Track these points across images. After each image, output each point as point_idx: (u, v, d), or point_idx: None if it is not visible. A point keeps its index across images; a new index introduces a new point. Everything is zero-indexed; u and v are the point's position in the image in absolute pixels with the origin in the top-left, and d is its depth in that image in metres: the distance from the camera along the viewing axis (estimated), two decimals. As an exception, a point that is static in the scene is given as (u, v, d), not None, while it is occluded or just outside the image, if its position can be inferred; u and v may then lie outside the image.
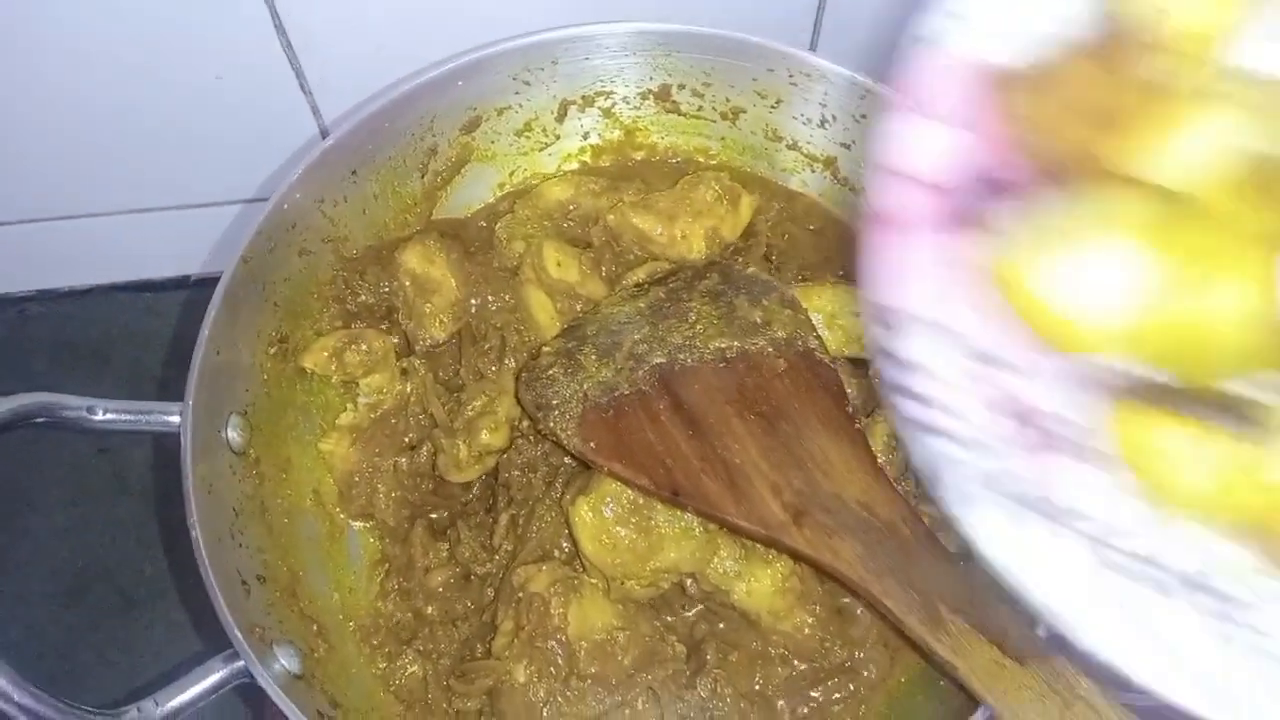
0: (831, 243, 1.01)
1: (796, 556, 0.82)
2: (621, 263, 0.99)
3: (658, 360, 0.88)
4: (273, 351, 0.91)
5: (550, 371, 0.89)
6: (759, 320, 0.90)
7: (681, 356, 0.88)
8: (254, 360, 0.89)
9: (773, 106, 0.98)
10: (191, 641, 1.14)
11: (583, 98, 1.00)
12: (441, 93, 0.94)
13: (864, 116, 0.94)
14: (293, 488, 0.92)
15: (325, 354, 0.93)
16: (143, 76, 1.02)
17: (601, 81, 0.99)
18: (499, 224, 1.00)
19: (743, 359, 0.88)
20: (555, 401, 0.87)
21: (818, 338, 0.90)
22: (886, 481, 0.82)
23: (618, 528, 0.84)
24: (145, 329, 1.31)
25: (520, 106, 0.99)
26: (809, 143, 1.00)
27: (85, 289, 1.32)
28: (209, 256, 1.29)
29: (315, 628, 0.85)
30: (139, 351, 1.30)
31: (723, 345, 0.89)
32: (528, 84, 0.97)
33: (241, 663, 0.74)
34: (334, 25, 1.00)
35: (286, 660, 0.79)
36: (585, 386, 0.88)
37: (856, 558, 0.78)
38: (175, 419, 0.80)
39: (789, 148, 1.01)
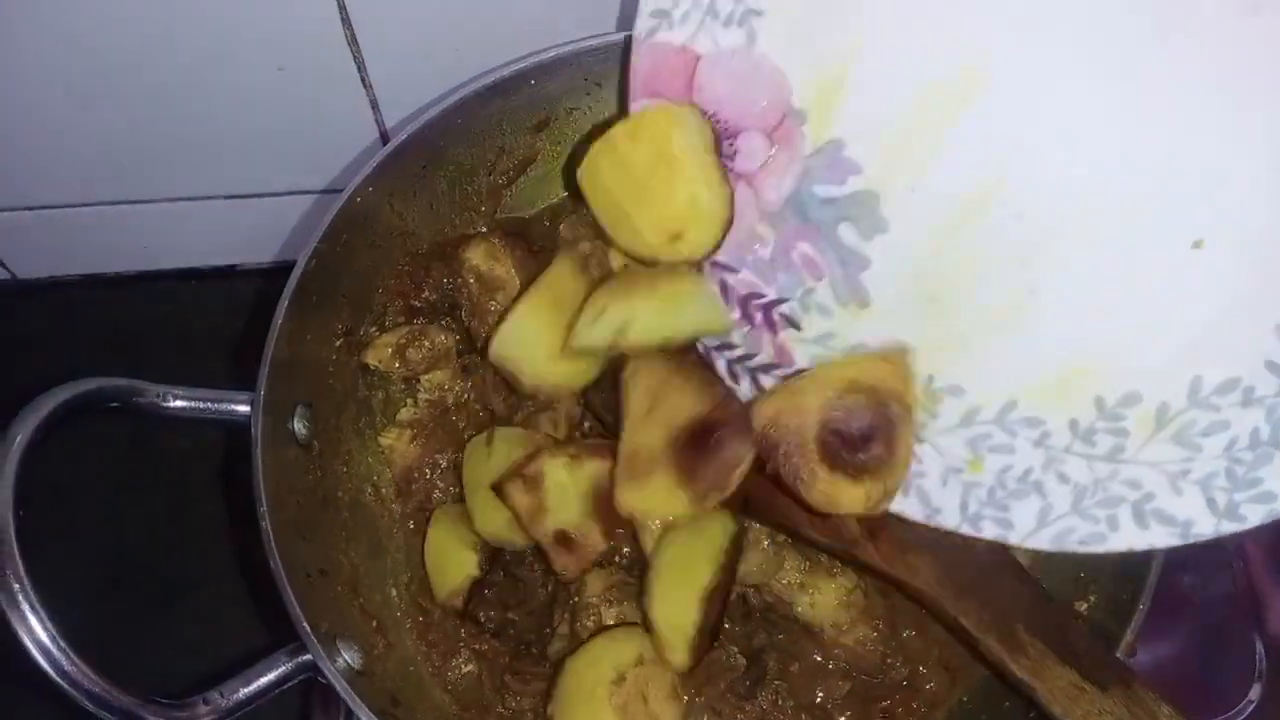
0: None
1: (872, 572, 0.81)
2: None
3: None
4: (338, 344, 0.91)
5: None
6: None
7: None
8: (321, 352, 0.89)
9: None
10: (228, 634, 1.12)
11: (651, 100, 1.00)
12: (512, 91, 0.93)
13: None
14: (354, 481, 0.91)
15: (389, 350, 0.93)
16: (204, 64, 1.02)
17: (671, 85, 0.99)
18: (563, 223, 0.99)
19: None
20: None
21: None
22: None
23: None
24: (189, 318, 1.30)
25: (590, 109, 0.99)
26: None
27: (131, 275, 1.32)
28: (262, 248, 1.29)
29: (375, 624, 0.85)
30: (183, 342, 1.29)
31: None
32: (599, 85, 0.97)
33: (307, 656, 0.74)
34: (400, 21, 1.00)
35: (349, 656, 0.78)
36: None
37: (933, 575, 0.77)
38: (245, 408, 0.80)
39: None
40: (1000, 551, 0.79)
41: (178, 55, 1.01)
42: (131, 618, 1.14)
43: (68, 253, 1.28)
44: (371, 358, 0.92)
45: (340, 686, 0.73)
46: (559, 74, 0.94)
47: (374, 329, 0.94)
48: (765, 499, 0.81)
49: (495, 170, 0.98)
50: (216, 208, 1.21)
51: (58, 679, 0.66)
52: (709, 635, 0.79)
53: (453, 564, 0.88)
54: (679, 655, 0.78)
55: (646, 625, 0.80)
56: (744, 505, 0.81)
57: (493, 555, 0.89)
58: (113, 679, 0.70)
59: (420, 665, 0.87)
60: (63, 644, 0.67)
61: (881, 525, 0.79)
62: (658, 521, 0.81)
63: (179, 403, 0.79)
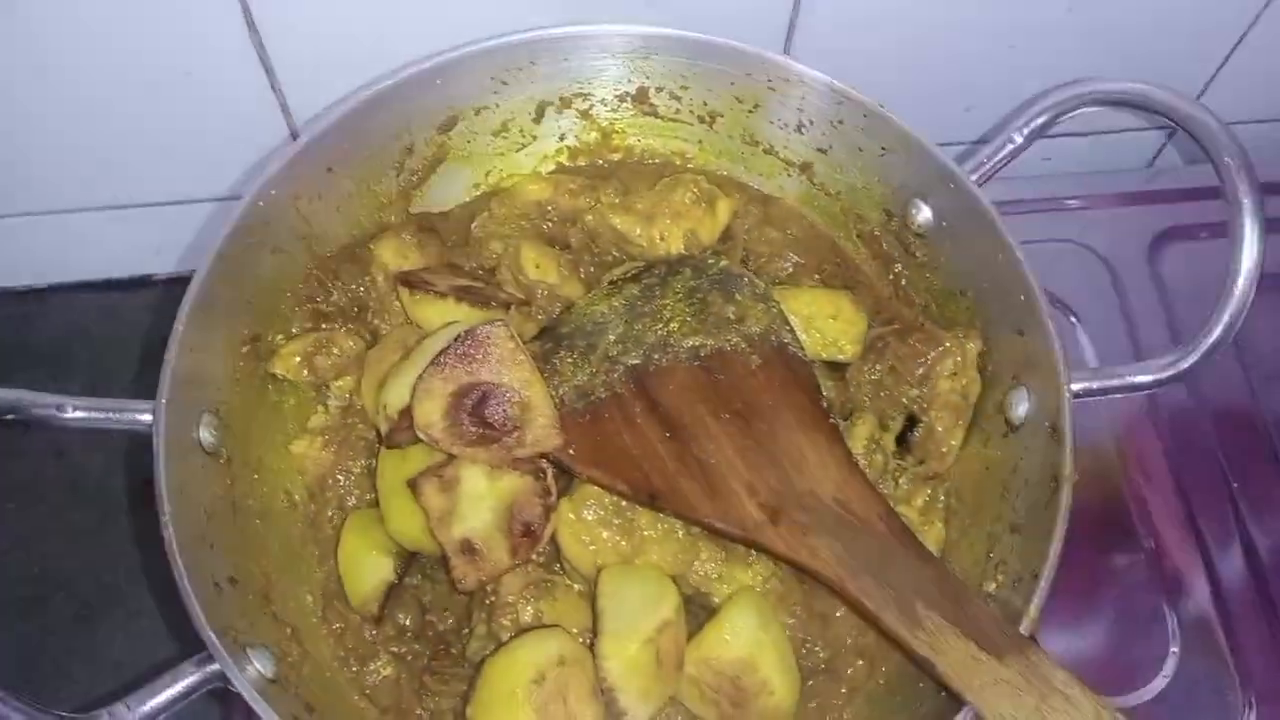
0: (808, 246, 1.02)
1: (774, 556, 0.82)
2: (600, 264, 0.99)
3: (633, 362, 0.88)
4: (245, 350, 0.90)
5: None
6: (732, 315, 0.90)
7: (656, 357, 0.88)
8: (226, 359, 0.88)
9: (750, 111, 0.99)
10: (152, 651, 1.11)
11: (560, 99, 1.00)
12: (419, 91, 0.93)
13: (841, 122, 0.95)
14: (265, 489, 0.90)
15: (296, 359, 0.92)
16: (109, 70, 1.00)
17: (579, 83, 0.99)
18: (475, 222, 0.99)
19: (717, 356, 0.88)
20: None
21: (791, 331, 0.91)
22: (862, 477, 0.83)
23: (600, 529, 0.83)
24: (107, 330, 1.28)
25: (497, 106, 0.99)
26: (786, 147, 1.00)
27: (44, 288, 1.29)
28: (175, 256, 1.27)
29: (289, 631, 0.84)
30: (101, 354, 1.27)
31: (697, 344, 0.89)
32: (505, 84, 0.97)
33: (215, 666, 0.73)
34: (306, 23, 0.99)
35: (261, 664, 0.77)
36: (561, 391, 0.87)
37: (833, 556, 0.78)
38: (147, 417, 0.79)
39: (766, 152, 1.02)
40: (901, 531, 0.80)
41: (81, 64, 0.99)
42: (54, 634, 1.12)
43: (-22, 266, 1.25)
44: (278, 367, 0.91)
45: (249, 695, 0.72)
46: (464, 74, 0.94)
47: (279, 336, 0.93)
48: (670, 490, 0.81)
49: (404, 170, 0.98)
50: (131, 217, 1.20)
51: (-50, 695, 0.65)
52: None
53: (367, 569, 0.87)
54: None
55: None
56: (650, 498, 0.82)
57: (408, 559, 0.88)
58: (10, 691, 0.68)
59: (337, 671, 0.86)
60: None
61: (781, 510, 0.80)
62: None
63: (78, 413, 0.78)
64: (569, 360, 0.89)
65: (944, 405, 0.91)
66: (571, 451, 0.84)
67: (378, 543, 0.87)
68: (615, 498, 0.84)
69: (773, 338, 0.89)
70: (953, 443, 0.91)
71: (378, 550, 0.87)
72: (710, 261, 0.94)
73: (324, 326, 0.94)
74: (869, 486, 0.82)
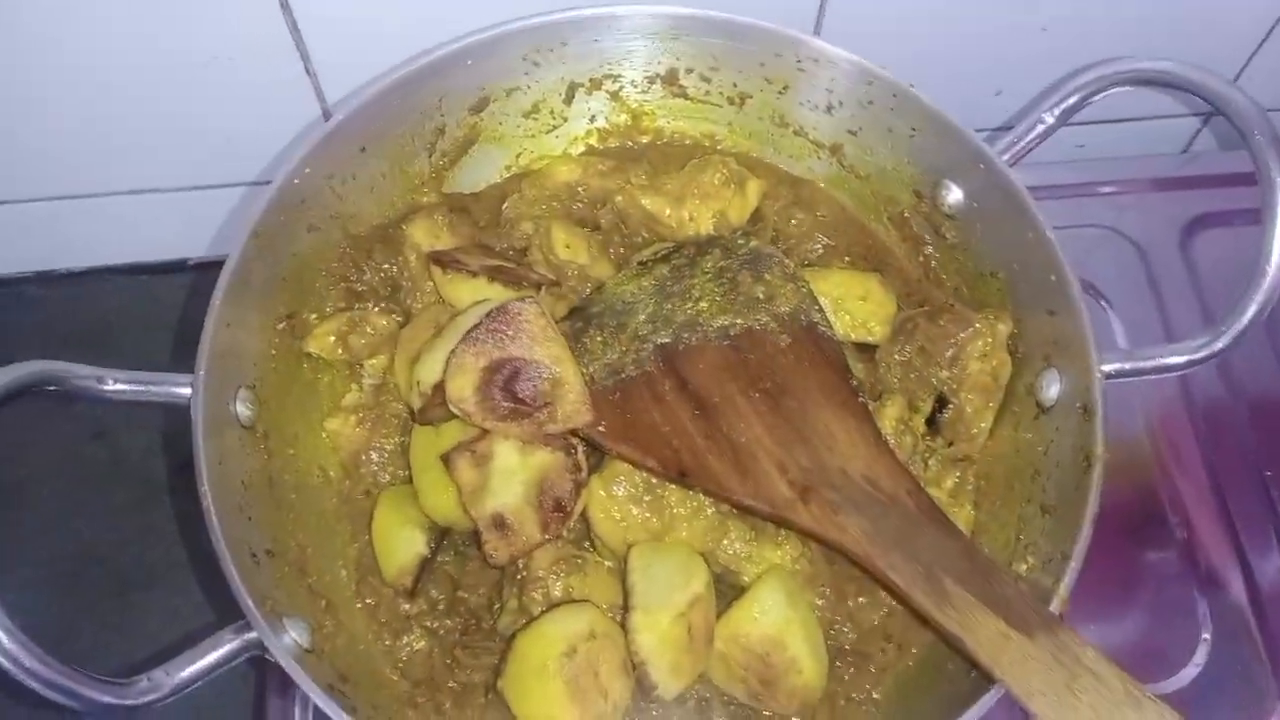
0: (837, 229, 1.02)
1: (804, 533, 0.82)
2: (629, 245, 0.99)
3: (662, 340, 0.89)
4: (280, 327, 0.91)
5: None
6: (761, 295, 0.90)
7: (685, 335, 0.89)
8: (262, 335, 0.89)
9: (780, 92, 0.99)
10: (188, 626, 1.13)
11: (590, 80, 1.01)
12: (452, 71, 0.94)
13: (870, 103, 0.95)
14: (300, 463, 0.91)
15: (330, 338, 0.93)
16: (143, 54, 1.02)
17: (609, 64, 1.00)
18: (506, 203, 1.00)
19: (746, 335, 0.88)
20: None
21: (820, 310, 0.91)
22: (891, 455, 0.83)
23: (630, 506, 0.84)
24: (144, 313, 1.30)
25: (529, 88, 1.00)
26: (815, 129, 1.01)
27: (83, 271, 1.31)
28: (208, 240, 1.29)
29: (324, 603, 0.85)
30: (137, 335, 1.28)
31: (726, 323, 0.89)
32: (537, 65, 0.97)
33: (252, 634, 0.74)
34: (341, 6, 1.00)
35: (296, 634, 0.78)
36: (591, 369, 0.88)
37: (862, 533, 0.78)
38: (185, 390, 0.80)
39: (795, 134, 1.02)
40: (929, 508, 0.80)
41: (115, 47, 1.01)
42: (93, 610, 1.14)
43: (17, 250, 1.27)
44: (313, 346, 0.92)
45: (285, 663, 0.73)
46: (496, 54, 0.95)
47: (313, 315, 0.94)
48: (700, 467, 0.82)
49: (435, 150, 0.99)
50: (164, 201, 1.21)
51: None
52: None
53: (401, 544, 0.88)
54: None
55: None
56: (680, 474, 0.82)
57: (441, 535, 0.89)
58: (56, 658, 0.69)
59: (370, 643, 0.87)
60: (8, 625, 0.67)
61: (811, 488, 0.80)
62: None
63: (118, 385, 0.79)
64: (599, 339, 0.90)
65: (974, 387, 0.90)
66: (602, 428, 0.84)
67: (411, 518, 0.88)
68: (645, 475, 0.84)
69: (802, 317, 0.89)
70: (983, 424, 0.91)
71: (411, 525, 0.88)
72: (740, 241, 0.95)
73: (357, 306, 0.95)
74: (898, 464, 0.82)
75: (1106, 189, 1.26)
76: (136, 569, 1.17)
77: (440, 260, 0.91)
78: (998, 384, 0.91)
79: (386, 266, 0.96)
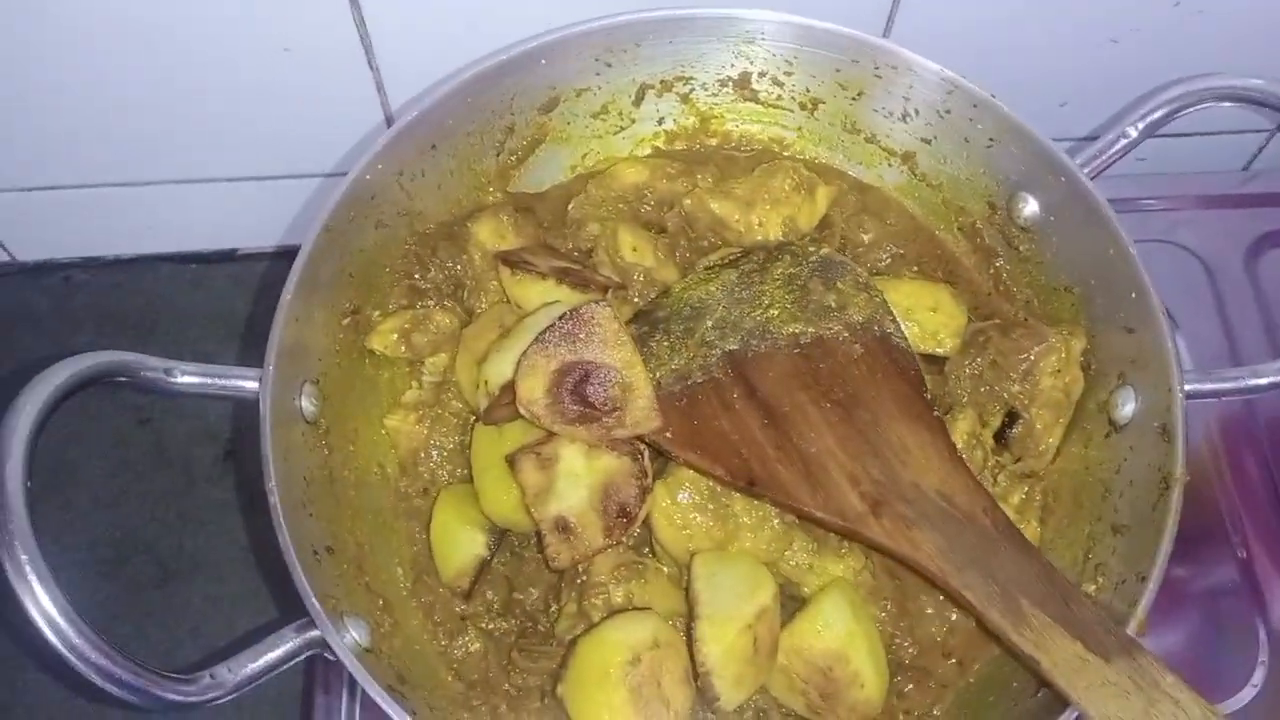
0: (906, 238, 1.00)
1: (875, 548, 0.81)
2: (696, 249, 0.98)
3: (731, 347, 0.87)
4: (345, 323, 0.90)
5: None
6: (833, 304, 0.89)
7: (755, 343, 0.87)
8: (327, 330, 0.89)
9: (854, 98, 0.98)
10: (230, 617, 1.13)
11: (661, 82, 1.00)
12: (524, 71, 0.93)
13: (948, 112, 0.94)
14: (360, 460, 0.91)
15: (393, 336, 0.92)
16: (207, 45, 1.01)
17: (682, 66, 0.98)
18: (571, 204, 0.99)
19: (817, 344, 0.87)
20: None
21: (894, 321, 0.90)
22: (966, 470, 0.82)
23: (694, 514, 0.83)
24: (191, 301, 1.30)
25: (599, 89, 0.98)
26: (888, 136, 0.99)
27: (131, 258, 1.31)
28: (258, 231, 1.28)
29: (380, 602, 0.84)
30: (185, 324, 1.28)
31: (797, 330, 0.88)
32: (609, 65, 0.96)
33: (315, 633, 0.73)
34: (407, 2, 0.99)
35: (357, 633, 0.78)
36: (658, 374, 0.86)
37: (937, 550, 0.77)
38: (252, 384, 0.79)
39: (867, 141, 1.01)
40: (1005, 526, 0.79)
41: (181, 36, 1.00)
42: (134, 597, 1.14)
43: (68, 235, 1.27)
44: (376, 343, 0.92)
45: (349, 662, 0.72)
46: (570, 54, 0.94)
47: (376, 312, 0.93)
48: (769, 477, 0.80)
49: (503, 150, 0.98)
50: (218, 190, 1.21)
51: (65, 652, 0.66)
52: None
53: (459, 544, 0.87)
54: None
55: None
56: (749, 483, 0.81)
57: (500, 536, 0.88)
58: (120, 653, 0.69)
59: (426, 644, 0.86)
60: (72, 617, 0.66)
61: (884, 502, 0.79)
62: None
63: (186, 378, 0.78)
64: (665, 344, 0.89)
65: (1046, 402, 0.89)
66: (669, 434, 0.83)
67: (470, 518, 0.87)
68: (710, 483, 0.83)
69: (875, 327, 0.88)
70: (1051, 441, 0.90)
71: (471, 526, 0.87)
72: (810, 249, 0.94)
73: (420, 304, 0.94)
74: (974, 480, 0.81)
75: (1170, 204, 1.25)
76: (177, 556, 1.16)
77: (509, 260, 0.90)
78: (1069, 400, 0.90)
79: (450, 265, 0.95)
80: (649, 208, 0.99)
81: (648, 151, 1.04)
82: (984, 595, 0.75)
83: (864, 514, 0.79)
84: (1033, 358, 0.89)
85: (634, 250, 0.94)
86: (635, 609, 0.82)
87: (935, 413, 0.85)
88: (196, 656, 1.12)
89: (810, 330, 0.88)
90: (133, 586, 1.15)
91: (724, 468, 0.82)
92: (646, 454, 0.84)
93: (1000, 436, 0.91)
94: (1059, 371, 0.88)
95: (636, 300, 0.94)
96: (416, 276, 0.95)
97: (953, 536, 0.77)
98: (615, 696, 0.76)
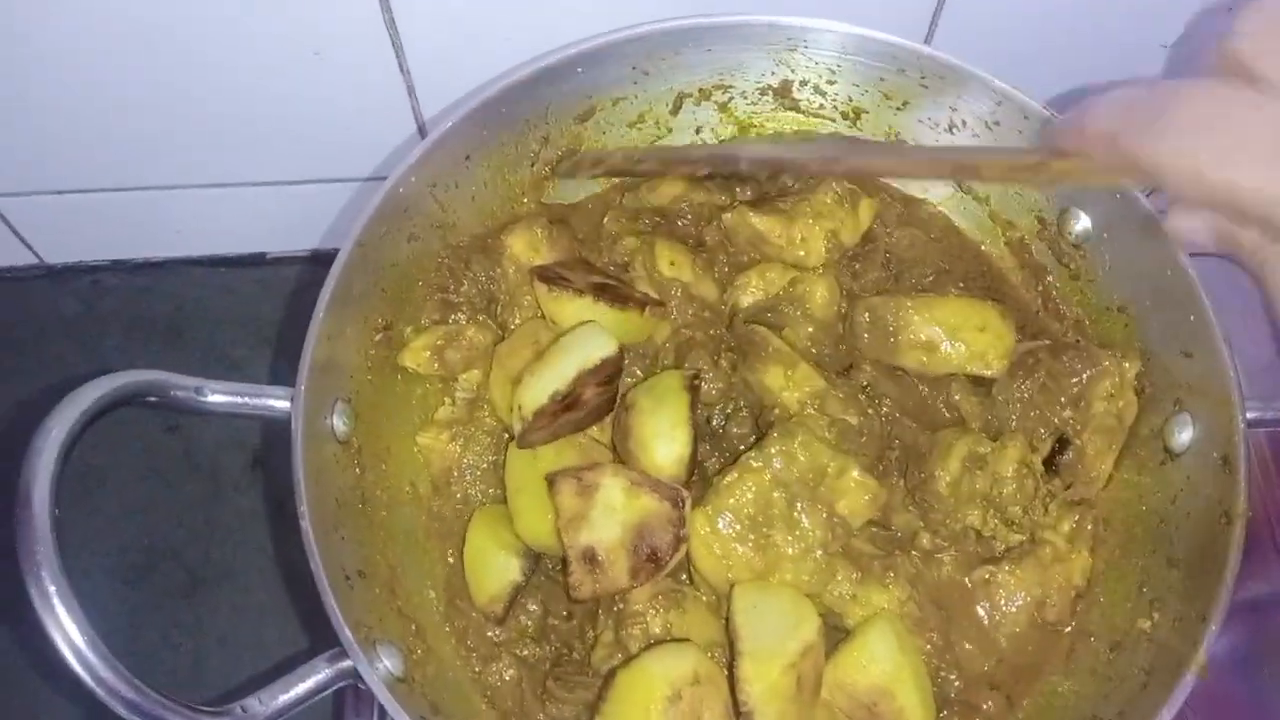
0: (951, 253, 0.98)
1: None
2: (735, 264, 0.95)
3: None
4: (378, 339, 0.88)
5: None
6: None
7: None
8: (359, 347, 0.87)
9: (899, 108, 0.95)
10: (257, 627, 1.11)
11: (700, 90, 0.97)
12: (561, 80, 0.91)
13: (997, 124, 0.91)
14: (391, 479, 0.89)
15: (426, 353, 0.90)
16: (238, 47, 0.99)
17: (721, 74, 0.96)
18: (607, 217, 0.97)
19: None
20: None
21: None
22: None
23: (734, 544, 0.80)
24: (220, 305, 1.28)
25: (636, 98, 0.96)
26: (934, 148, 0.96)
27: (160, 261, 1.30)
28: (288, 236, 1.27)
29: (413, 627, 0.83)
30: (213, 329, 1.27)
31: None
32: (647, 74, 0.94)
33: (347, 663, 0.72)
34: (441, 5, 0.97)
35: (390, 661, 0.76)
36: None
37: None
38: (283, 404, 0.78)
39: (911, 152, 0.97)
40: None
41: (212, 38, 0.98)
42: (162, 606, 1.13)
43: (96, 238, 1.26)
44: (408, 360, 0.90)
45: (381, 695, 0.71)
46: (607, 63, 0.92)
47: (409, 328, 0.91)
48: None
49: (538, 160, 0.96)
50: (247, 195, 1.19)
51: (94, 685, 0.64)
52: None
53: (495, 569, 0.85)
54: None
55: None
56: None
57: (534, 560, 0.86)
58: (148, 681, 0.67)
59: (459, 670, 0.85)
60: (99, 647, 0.65)
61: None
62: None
63: (217, 398, 0.77)
64: None
65: (1098, 428, 0.86)
66: None
67: (505, 542, 0.86)
68: (753, 512, 0.80)
69: None
70: (1104, 467, 0.87)
71: (506, 550, 0.85)
72: None
73: (452, 319, 0.92)
74: None
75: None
76: (204, 565, 1.15)
77: (545, 276, 0.88)
78: (1122, 426, 0.87)
79: (484, 278, 0.93)
80: (686, 221, 0.97)
81: (685, 163, 1.01)
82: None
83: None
84: (1085, 381, 0.86)
85: (672, 264, 0.92)
86: (674, 639, 0.80)
87: None
88: (224, 666, 1.11)
89: None
90: (160, 594, 1.14)
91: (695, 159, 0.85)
92: (688, 502, 0.81)
93: (1050, 463, 0.88)
94: (1112, 396, 0.86)
95: (673, 317, 0.92)
96: (450, 290, 0.93)
97: None
98: (655, 733, 0.74)
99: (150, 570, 1.15)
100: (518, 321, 0.92)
